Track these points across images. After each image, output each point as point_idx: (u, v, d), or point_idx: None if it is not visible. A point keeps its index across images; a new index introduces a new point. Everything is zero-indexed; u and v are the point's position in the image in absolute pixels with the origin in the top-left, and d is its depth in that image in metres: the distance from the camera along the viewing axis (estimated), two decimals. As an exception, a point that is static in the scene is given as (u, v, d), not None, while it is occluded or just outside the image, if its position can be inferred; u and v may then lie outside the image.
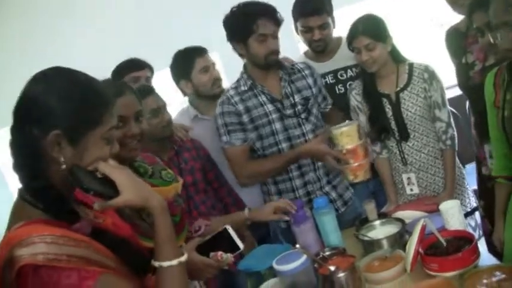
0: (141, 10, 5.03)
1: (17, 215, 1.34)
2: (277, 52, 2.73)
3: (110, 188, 1.35)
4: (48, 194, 1.31)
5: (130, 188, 1.36)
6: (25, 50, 5.01)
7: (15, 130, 1.34)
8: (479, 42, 2.28)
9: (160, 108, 2.63)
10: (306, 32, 3.09)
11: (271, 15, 2.67)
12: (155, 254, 1.41)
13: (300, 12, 3.07)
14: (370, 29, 2.68)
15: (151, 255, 1.43)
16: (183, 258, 1.42)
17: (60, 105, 1.30)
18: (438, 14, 5.74)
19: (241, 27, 2.69)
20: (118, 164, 1.41)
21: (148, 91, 2.61)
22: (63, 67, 1.40)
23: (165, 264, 1.39)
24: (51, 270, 1.21)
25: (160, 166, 2.09)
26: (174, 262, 1.40)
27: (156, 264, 1.39)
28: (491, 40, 2.05)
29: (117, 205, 1.38)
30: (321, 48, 3.13)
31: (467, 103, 3.77)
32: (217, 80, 3.11)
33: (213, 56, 3.23)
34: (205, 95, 3.14)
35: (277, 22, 2.70)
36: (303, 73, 2.88)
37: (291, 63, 2.95)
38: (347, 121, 2.68)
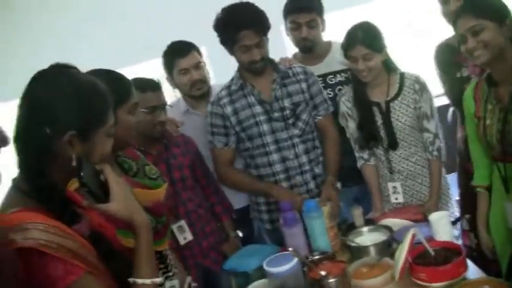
0: (131, 3, 4.98)
1: (11, 203, 1.35)
2: (262, 60, 2.72)
3: (103, 193, 1.46)
4: (53, 193, 1.35)
5: (120, 201, 1.47)
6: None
7: (25, 129, 1.38)
8: (461, 49, 2.26)
9: (156, 107, 2.58)
10: (295, 29, 3.06)
11: (254, 26, 2.65)
12: (133, 270, 1.47)
13: (290, 9, 3.06)
14: (369, 39, 2.67)
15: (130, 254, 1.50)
16: (158, 280, 1.50)
17: (73, 107, 1.36)
18: (416, 21, 5.82)
19: (225, 35, 2.71)
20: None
21: (151, 86, 2.57)
22: (65, 67, 1.45)
23: (139, 281, 1.45)
24: (40, 258, 1.24)
25: (143, 161, 2.08)
26: (148, 281, 1.46)
27: (131, 280, 1.45)
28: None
29: (102, 211, 1.46)
30: (308, 47, 3.09)
31: (449, 115, 3.85)
32: (197, 82, 3.04)
33: (201, 50, 3.17)
34: (187, 95, 3.13)
35: (261, 31, 2.68)
36: (298, 77, 2.86)
37: (289, 66, 2.92)
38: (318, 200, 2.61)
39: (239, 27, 2.64)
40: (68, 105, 1.35)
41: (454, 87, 2.69)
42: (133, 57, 4.75)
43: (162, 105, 2.62)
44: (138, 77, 2.60)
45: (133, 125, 1.87)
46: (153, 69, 4.35)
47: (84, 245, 1.35)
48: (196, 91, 3.06)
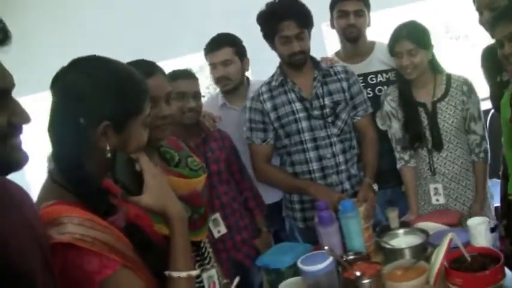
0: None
1: (47, 195, 1.34)
2: (302, 53, 2.72)
3: (136, 185, 1.40)
4: (88, 184, 1.33)
5: (153, 193, 1.41)
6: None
7: (59, 119, 1.36)
8: (498, 54, 2.29)
9: (186, 93, 2.60)
10: (341, 17, 3.06)
11: (295, 16, 2.66)
12: (169, 262, 1.43)
13: None
14: (415, 34, 2.67)
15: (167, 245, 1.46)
16: (194, 273, 1.45)
17: (107, 97, 1.34)
18: (454, 26, 5.75)
19: (267, 27, 2.74)
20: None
21: (181, 74, 2.61)
22: (101, 56, 1.42)
23: (175, 274, 1.41)
24: (75, 253, 1.22)
25: (186, 153, 2.06)
26: (183, 274, 1.41)
27: (166, 273, 1.41)
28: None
29: (135, 203, 1.41)
30: (354, 35, 3.08)
31: (488, 119, 3.79)
32: (221, 79, 3.10)
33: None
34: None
35: (302, 23, 2.69)
36: (339, 76, 2.85)
37: (330, 65, 2.92)
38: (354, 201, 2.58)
39: (280, 17, 2.67)
40: (102, 95, 1.33)
41: (495, 91, 2.67)
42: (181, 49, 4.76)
43: (193, 93, 2.64)
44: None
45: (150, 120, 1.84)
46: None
47: (120, 238, 1.33)
48: (222, 87, 3.14)
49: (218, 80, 3.11)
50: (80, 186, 1.32)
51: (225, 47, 3.08)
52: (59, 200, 1.30)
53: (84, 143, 1.33)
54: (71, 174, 1.33)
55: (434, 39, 2.80)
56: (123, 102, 1.36)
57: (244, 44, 3.18)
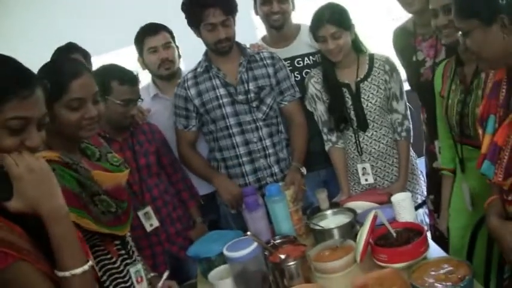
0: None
1: None
2: (228, 40, 2.72)
3: (4, 190, 1.27)
4: None
5: (20, 194, 1.27)
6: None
7: None
8: (431, 23, 2.31)
9: (131, 100, 2.58)
10: (265, 4, 3.01)
11: (220, 4, 2.65)
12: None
13: None
14: (336, 17, 2.65)
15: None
16: (79, 271, 1.32)
17: None
18: (394, 7, 5.79)
19: (191, 15, 2.72)
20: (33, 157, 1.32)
21: (129, 80, 2.57)
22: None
23: (59, 274, 1.31)
24: None
25: (106, 149, 2.03)
26: (67, 274, 1.31)
27: (59, 274, 1.31)
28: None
29: (9, 209, 1.28)
30: (278, 23, 3.03)
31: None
32: (165, 61, 3.07)
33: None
34: (155, 75, 3.15)
35: (228, 10, 2.67)
36: (265, 62, 2.85)
37: (257, 51, 2.91)
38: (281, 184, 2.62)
39: (205, 5, 2.64)
40: None
41: (411, 71, 2.70)
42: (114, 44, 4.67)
43: (136, 100, 2.62)
44: (119, 66, 2.62)
45: (76, 121, 1.76)
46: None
47: (13, 229, 1.25)
48: (164, 71, 3.09)
49: (162, 63, 3.06)
50: None
51: (163, 31, 3.08)
52: None
53: None
54: None
55: (376, 21, 2.81)
56: None
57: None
